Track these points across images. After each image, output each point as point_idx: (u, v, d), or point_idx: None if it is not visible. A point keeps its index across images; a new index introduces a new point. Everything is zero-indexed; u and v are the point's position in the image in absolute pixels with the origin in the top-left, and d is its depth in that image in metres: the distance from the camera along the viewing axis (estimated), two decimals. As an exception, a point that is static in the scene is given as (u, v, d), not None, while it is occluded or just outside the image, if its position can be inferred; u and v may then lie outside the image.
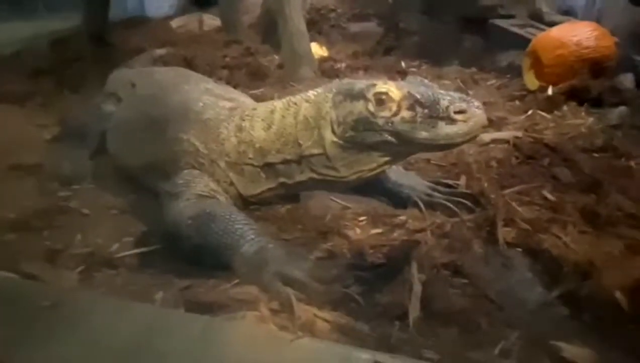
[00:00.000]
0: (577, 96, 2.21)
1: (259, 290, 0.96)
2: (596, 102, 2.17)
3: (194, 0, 4.87)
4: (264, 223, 1.22)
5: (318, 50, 3.13)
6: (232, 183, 1.24)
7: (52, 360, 0.77)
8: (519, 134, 1.74)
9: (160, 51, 3.22)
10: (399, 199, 1.36)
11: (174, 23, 4.30)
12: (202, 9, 4.53)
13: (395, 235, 1.21)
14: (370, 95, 1.00)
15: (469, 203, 1.30)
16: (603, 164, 1.56)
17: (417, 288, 0.93)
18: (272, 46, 3.19)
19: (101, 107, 1.80)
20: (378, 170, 1.08)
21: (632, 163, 1.54)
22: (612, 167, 1.53)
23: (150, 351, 0.77)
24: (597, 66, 2.31)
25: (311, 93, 1.16)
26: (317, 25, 3.65)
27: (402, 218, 1.27)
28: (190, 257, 1.08)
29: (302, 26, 2.62)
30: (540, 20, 3.52)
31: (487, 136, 1.67)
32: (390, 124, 0.98)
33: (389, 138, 0.99)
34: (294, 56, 2.59)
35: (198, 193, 1.16)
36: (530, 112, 2.13)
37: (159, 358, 0.76)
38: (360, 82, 1.05)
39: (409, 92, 0.97)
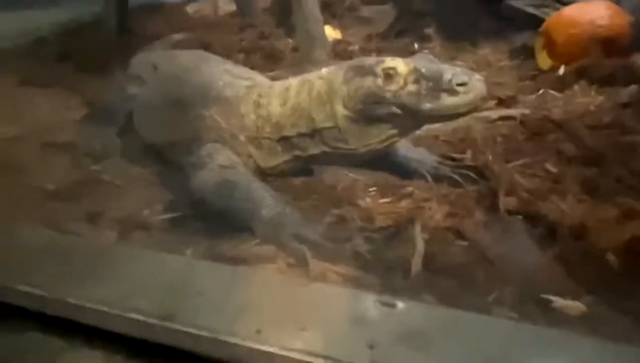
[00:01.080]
0: (589, 74, 2.23)
1: (276, 249, 1.06)
2: (608, 81, 2.19)
3: (210, -18, 4.91)
4: (281, 192, 1.31)
5: (332, 33, 3.17)
6: (251, 156, 1.34)
7: (96, 297, 0.89)
8: (527, 111, 1.79)
9: (177, 36, 3.31)
10: (407, 172, 1.44)
11: (190, 8, 4.38)
12: (218, -8, 4.58)
13: (402, 204, 1.29)
14: (378, 70, 1.08)
15: (473, 175, 1.37)
16: (608, 140, 1.60)
17: (420, 246, 1.01)
18: (287, 29, 3.25)
19: (126, 89, 1.91)
20: (387, 143, 1.16)
21: (637, 138, 1.58)
22: (616, 142, 1.58)
23: (183, 292, 0.88)
24: (610, 45, 2.31)
25: (324, 71, 1.24)
26: (330, 9, 3.68)
27: (410, 188, 1.35)
28: (215, 221, 1.18)
29: (316, 9, 2.67)
30: (557, 0, 3.49)
31: (494, 114, 1.73)
32: (397, 97, 1.06)
33: (396, 110, 1.07)
34: (308, 38, 2.65)
35: (220, 164, 1.26)
36: (541, 91, 2.16)
37: (191, 297, 0.87)
38: (369, 59, 1.13)
39: (414, 67, 1.05)
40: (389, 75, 1.06)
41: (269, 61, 2.76)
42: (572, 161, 1.49)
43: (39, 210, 1.28)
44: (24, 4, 3.69)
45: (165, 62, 1.91)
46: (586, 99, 2.05)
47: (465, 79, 1.00)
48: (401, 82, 1.05)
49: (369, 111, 1.11)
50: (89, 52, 3.02)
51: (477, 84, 1.00)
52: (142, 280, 0.95)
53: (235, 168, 1.27)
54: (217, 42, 3.09)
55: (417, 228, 1.06)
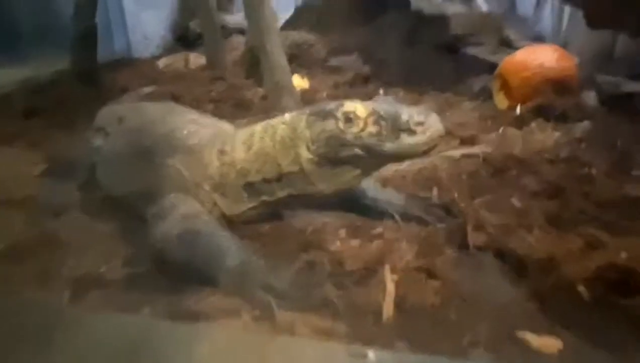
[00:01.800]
0: (543, 113, 2.35)
1: (241, 301, 1.01)
2: (562, 118, 2.31)
3: (179, 40, 5.06)
4: (248, 240, 1.27)
5: (300, 82, 3.27)
6: (215, 204, 1.31)
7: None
8: (488, 149, 1.85)
9: (147, 89, 3.34)
10: (376, 213, 1.43)
11: (161, 62, 4.46)
12: (188, 49, 4.71)
13: (373, 245, 1.27)
14: (339, 114, 1.10)
15: (441, 213, 1.38)
16: (566, 173, 1.66)
17: (391, 288, 0.99)
18: (256, 80, 3.34)
19: (90, 142, 1.88)
20: (352, 182, 1.17)
21: (594, 171, 1.64)
22: (575, 175, 1.64)
23: (141, 356, 0.81)
24: (560, 85, 2.47)
25: (287, 116, 1.25)
26: (298, 59, 3.82)
27: (380, 229, 1.34)
28: (177, 274, 1.12)
29: (283, 60, 2.76)
30: (509, 46, 3.75)
31: (457, 152, 1.78)
32: (359, 139, 1.08)
33: (359, 151, 1.08)
34: (277, 87, 2.72)
35: (183, 214, 1.22)
36: (501, 129, 2.26)
37: (150, 361, 0.80)
38: (330, 104, 1.15)
39: (373, 109, 1.07)
40: (349, 118, 1.08)
41: (238, 109, 2.80)
42: (535, 195, 1.52)
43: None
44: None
45: (132, 114, 1.90)
46: (543, 135, 2.14)
47: (422, 118, 1.02)
48: (361, 124, 1.07)
49: (333, 153, 1.11)
50: (55, 108, 2.98)
51: (433, 123, 1.03)
52: (96, 345, 0.87)
53: (199, 217, 1.23)
54: (187, 93, 3.12)
55: (387, 269, 1.04)
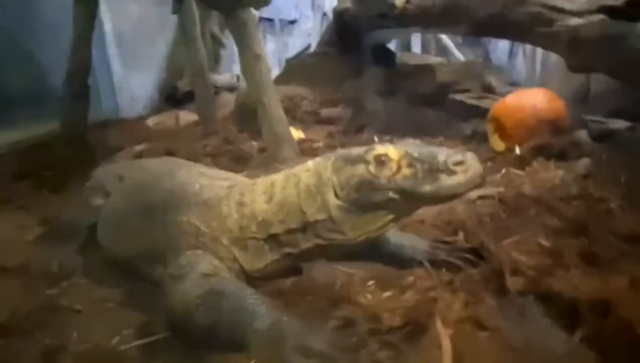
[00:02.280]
0: (542, 152, 2.39)
1: (278, 367, 0.90)
2: (561, 157, 2.35)
3: (168, 99, 5.10)
4: (272, 298, 1.18)
5: (295, 133, 3.29)
6: (235, 259, 1.22)
7: None
8: (502, 189, 1.83)
9: (139, 147, 3.28)
10: (402, 261, 1.36)
11: (150, 121, 4.45)
12: (177, 107, 4.74)
13: (407, 296, 1.19)
14: (370, 157, 1.06)
15: (471, 257, 1.32)
16: (584, 210, 1.64)
17: (447, 344, 0.90)
18: (249, 134, 3.35)
19: (89, 202, 1.78)
20: (384, 229, 1.10)
21: (611, 205, 1.63)
22: (594, 211, 1.62)
23: None
24: (554, 125, 2.54)
25: (310, 163, 1.21)
26: (291, 112, 3.87)
27: (410, 278, 1.26)
28: (201, 340, 1.01)
29: (281, 112, 2.78)
30: (492, 92, 3.91)
31: (473, 194, 1.75)
32: (393, 183, 1.03)
33: (393, 195, 1.03)
34: (276, 139, 2.71)
35: (203, 272, 1.13)
36: (503, 171, 2.27)
37: None
38: (356, 149, 1.12)
39: (406, 151, 1.04)
40: (381, 161, 1.04)
41: (237, 162, 2.76)
42: (559, 233, 1.48)
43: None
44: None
45: (132, 171, 1.83)
46: (548, 174, 2.15)
47: (460, 158, 0.99)
48: (394, 167, 1.03)
49: (365, 198, 1.06)
50: (45, 170, 2.89)
51: (472, 162, 1.00)
52: None
53: (220, 275, 1.13)
54: (182, 149, 3.08)
55: (438, 324, 0.95)
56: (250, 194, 1.25)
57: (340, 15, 4.20)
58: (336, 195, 1.11)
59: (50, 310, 1.22)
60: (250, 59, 2.74)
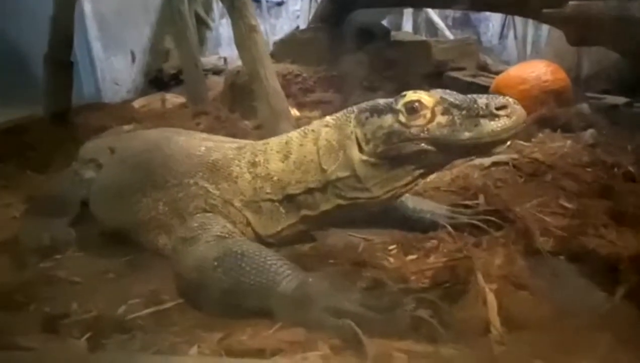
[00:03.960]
0: (548, 123, 2.35)
1: (309, 330, 0.82)
2: (567, 128, 2.32)
3: (153, 82, 4.91)
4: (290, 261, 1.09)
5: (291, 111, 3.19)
6: (248, 223, 1.13)
7: None
8: (515, 156, 1.78)
9: (127, 127, 3.14)
10: (421, 226, 1.29)
11: (136, 103, 4.26)
12: (162, 90, 4.56)
13: (432, 259, 1.12)
14: (399, 106, 0.98)
15: (496, 219, 1.26)
16: (601, 174, 1.60)
17: (492, 298, 0.83)
18: (241, 115, 3.24)
19: (80, 174, 1.67)
20: (412, 185, 1.02)
21: (630, 168, 1.59)
22: (612, 175, 1.58)
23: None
24: (559, 96, 2.50)
25: (328, 118, 1.12)
26: (284, 90, 3.75)
27: (433, 241, 1.20)
28: (219, 305, 0.92)
29: (278, 86, 2.67)
30: (487, 70, 3.87)
31: (487, 160, 1.69)
32: (426, 132, 0.95)
33: (426, 146, 0.95)
34: (273, 113, 2.60)
35: (217, 234, 1.03)
36: (509, 142, 2.21)
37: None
38: (384, 99, 1.03)
39: (441, 97, 0.95)
40: (413, 108, 0.95)
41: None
42: (581, 196, 1.44)
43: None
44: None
45: (125, 141, 1.71)
46: (557, 143, 2.11)
47: (503, 101, 0.92)
48: (428, 115, 0.94)
49: (394, 151, 0.97)
50: (28, 149, 2.74)
51: (516, 105, 0.92)
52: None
53: (235, 237, 1.04)
54: (174, 128, 2.95)
55: (481, 279, 0.88)
56: (263, 153, 1.16)
57: (334, -11, 4.07)
58: (360, 150, 1.02)
59: (45, 282, 1.11)
60: (245, 30, 2.61)
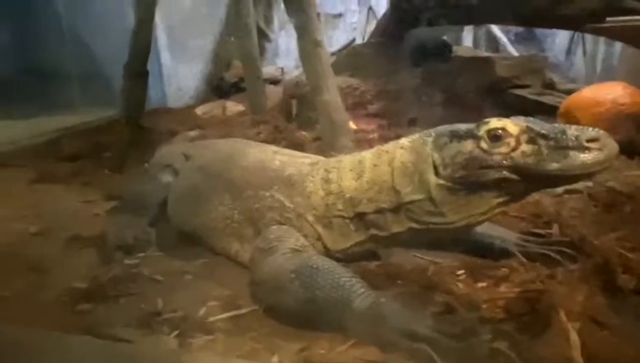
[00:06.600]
0: (625, 149, 2.21)
1: (381, 350, 0.84)
2: (643, 155, 2.18)
3: (214, 90, 5.16)
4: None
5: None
6: (319, 238, 1.17)
7: None
8: (590, 183, 1.70)
9: (193, 133, 3.31)
10: (490, 252, 1.27)
11: (198, 110, 4.50)
12: (223, 98, 4.78)
13: (503, 288, 1.10)
14: (482, 132, 0.98)
15: (570, 251, 1.21)
16: (687, 209, 1.49)
17: (575, 338, 0.81)
18: (300, 124, 3.32)
19: (158, 178, 1.79)
20: (490, 213, 1.01)
21: None
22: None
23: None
24: (634, 121, 2.35)
25: (404, 140, 1.14)
26: (342, 103, 3.80)
27: (505, 269, 1.17)
28: (293, 316, 0.97)
29: (339, 99, 2.72)
30: (553, 88, 3.70)
31: (560, 188, 1.63)
32: (509, 160, 0.94)
33: (509, 174, 0.95)
34: (333, 126, 2.65)
35: (292, 247, 1.08)
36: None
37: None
38: (464, 124, 1.04)
39: (527, 126, 0.95)
40: (497, 136, 0.95)
41: (294, 149, 2.72)
42: (664, 232, 1.35)
43: (73, 314, 1.05)
44: (40, 112, 3.74)
45: (200, 150, 1.82)
46: (634, 172, 1.99)
47: (594, 134, 0.90)
48: (512, 143, 0.94)
49: (473, 177, 0.97)
50: (105, 150, 2.97)
51: (608, 139, 0.90)
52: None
53: (309, 252, 1.08)
54: (235, 136, 3.08)
55: (563, 316, 0.86)
56: (337, 171, 1.19)
57: (397, 4, 4.08)
58: (437, 174, 1.03)
59: (131, 279, 1.21)
60: (310, 44, 2.69)
